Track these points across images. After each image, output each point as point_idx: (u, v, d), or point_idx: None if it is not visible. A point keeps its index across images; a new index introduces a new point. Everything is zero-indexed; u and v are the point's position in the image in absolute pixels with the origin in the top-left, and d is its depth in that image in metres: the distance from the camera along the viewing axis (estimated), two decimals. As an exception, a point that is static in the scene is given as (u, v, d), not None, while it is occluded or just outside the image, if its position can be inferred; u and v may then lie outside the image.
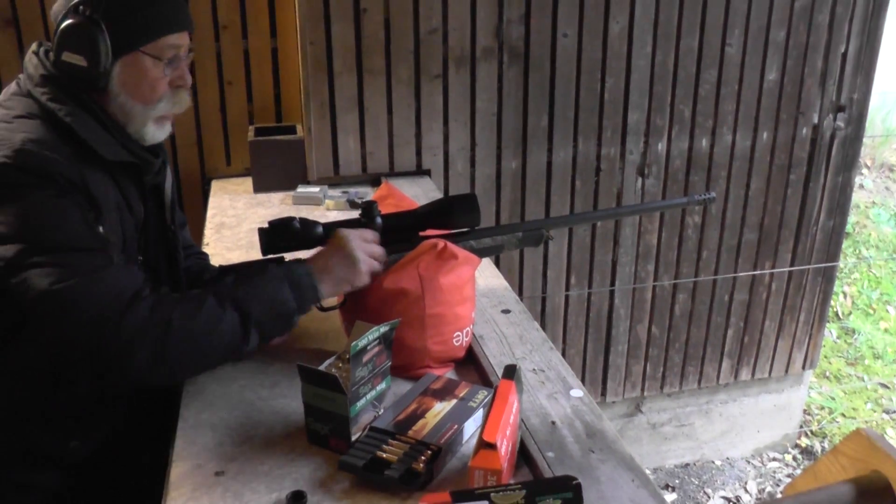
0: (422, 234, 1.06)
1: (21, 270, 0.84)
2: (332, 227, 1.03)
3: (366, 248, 0.99)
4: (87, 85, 0.93)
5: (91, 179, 0.90)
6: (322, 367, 0.92)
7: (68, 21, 0.90)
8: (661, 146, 2.19)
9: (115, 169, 0.96)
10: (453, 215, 1.04)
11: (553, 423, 0.93)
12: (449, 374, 1.06)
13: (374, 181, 1.95)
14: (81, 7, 0.90)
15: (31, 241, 0.84)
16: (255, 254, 1.45)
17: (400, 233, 1.05)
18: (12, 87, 0.96)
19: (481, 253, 1.08)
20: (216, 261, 1.48)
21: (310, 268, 0.97)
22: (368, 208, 1.03)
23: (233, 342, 0.90)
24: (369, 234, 1.01)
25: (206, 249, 1.53)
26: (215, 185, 1.99)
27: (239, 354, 0.92)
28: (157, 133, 0.99)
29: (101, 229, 0.90)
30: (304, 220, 1.01)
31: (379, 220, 1.03)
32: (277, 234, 1.00)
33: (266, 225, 1.01)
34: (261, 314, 0.92)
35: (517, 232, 1.10)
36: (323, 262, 0.98)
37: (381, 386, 0.95)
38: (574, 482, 0.74)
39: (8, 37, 1.85)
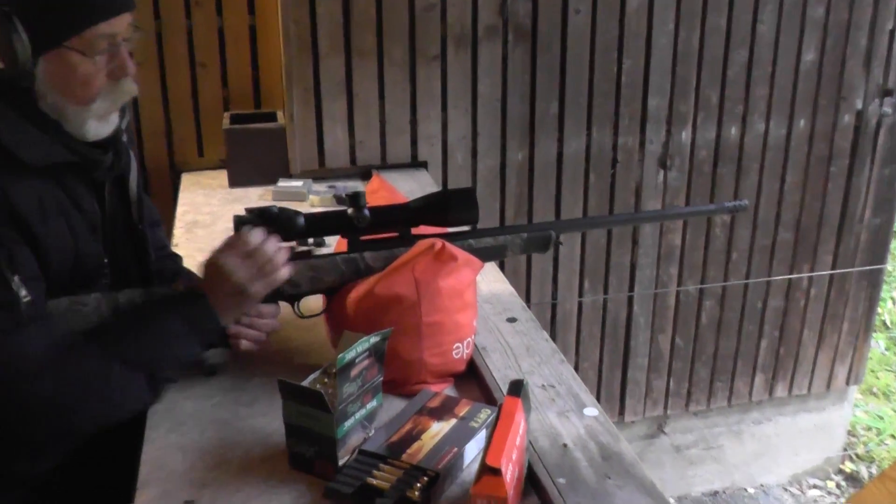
0: (415, 231, 1.07)
1: None
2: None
3: (248, 266, 0.97)
4: (10, 85, 0.92)
5: (14, 191, 0.89)
6: (305, 383, 0.92)
7: None
8: (685, 135, 2.19)
9: (56, 169, 0.95)
10: (449, 211, 1.05)
11: (565, 445, 0.93)
12: (448, 390, 1.06)
13: (365, 174, 1.96)
14: None
15: None
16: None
17: (390, 228, 1.06)
18: None
19: (482, 254, 1.09)
20: (188, 264, 1.48)
21: (211, 309, 0.96)
22: (355, 199, 1.03)
23: (139, 403, 0.94)
24: (249, 239, 0.97)
25: (176, 251, 1.53)
26: (186, 179, 2.00)
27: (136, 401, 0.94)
28: (99, 129, 0.97)
29: (16, 279, 0.87)
30: (284, 209, 1.02)
31: (367, 212, 1.03)
32: (251, 222, 1.00)
33: (243, 212, 1.01)
34: (168, 370, 0.95)
35: (522, 233, 1.10)
36: (213, 297, 0.97)
37: (372, 403, 0.95)
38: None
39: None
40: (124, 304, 0.98)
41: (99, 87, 0.94)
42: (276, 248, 0.99)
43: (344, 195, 1.76)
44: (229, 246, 0.98)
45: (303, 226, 1.02)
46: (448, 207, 1.05)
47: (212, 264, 0.98)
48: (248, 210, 1.01)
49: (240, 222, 1.00)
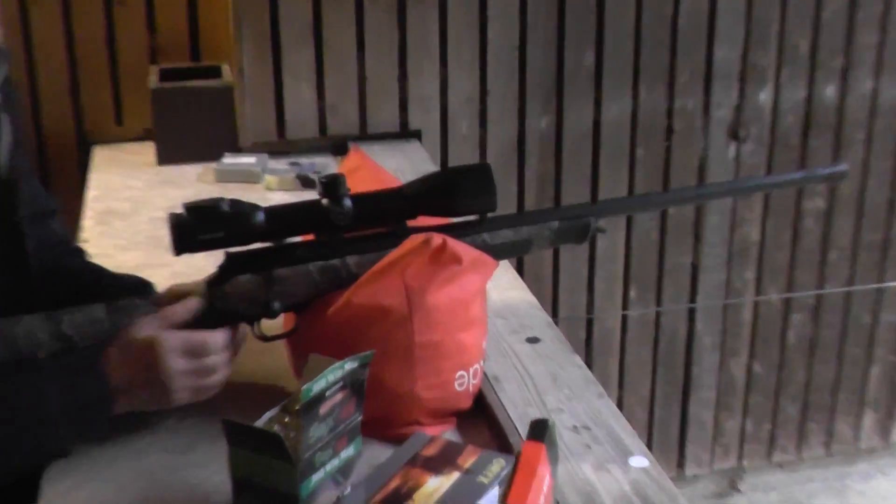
0: (411, 224, 1.07)
1: None
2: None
3: (187, 369, 0.98)
4: None
5: None
6: (259, 423, 0.92)
7: None
8: (765, 96, 2.20)
9: None
10: (457, 196, 1.05)
11: (604, 506, 0.93)
12: (448, 433, 1.06)
13: (339, 148, 1.96)
14: None
15: None
16: (161, 254, 1.46)
17: (378, 221, 1.06)
18: None
19: (498, 252, 1.09)
20: (103, 263, 1.48)
21: (104, 382, 0.96)
22: (332, 184, 1.04)
23: None
24: (207, 341, 0.99)
25: (87, 247, 1.54)
26: (100, 155, 2.00)
27: None
28: None
29: None
30: (236, 203, 1.02)
31: (348, 202, 1.04)
32: (197, 224, 1.00)
33: (179, 210, 1.01)
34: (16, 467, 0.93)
35: (551, 222, 1.11)
36: (123, 374, 0.98)
37: (348, 451, 0.96)
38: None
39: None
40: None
41: None
42: (227, 360, 1.02)
43: (311, 175, 1.77)
44: (175, 341, 0.99)
45: (263, 224, 1.03)
46: (456, 192, 1.05)
47: (153, 345, 0.98)
48: (189, 208, 1.01)
49: (178, 225, 1.00)
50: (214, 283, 1.04)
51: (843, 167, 1.21)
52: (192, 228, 1.00)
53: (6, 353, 0.96)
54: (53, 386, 0.94)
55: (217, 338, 1.01)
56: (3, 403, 0.93)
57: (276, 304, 1.04)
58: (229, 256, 1.05)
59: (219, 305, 1.03)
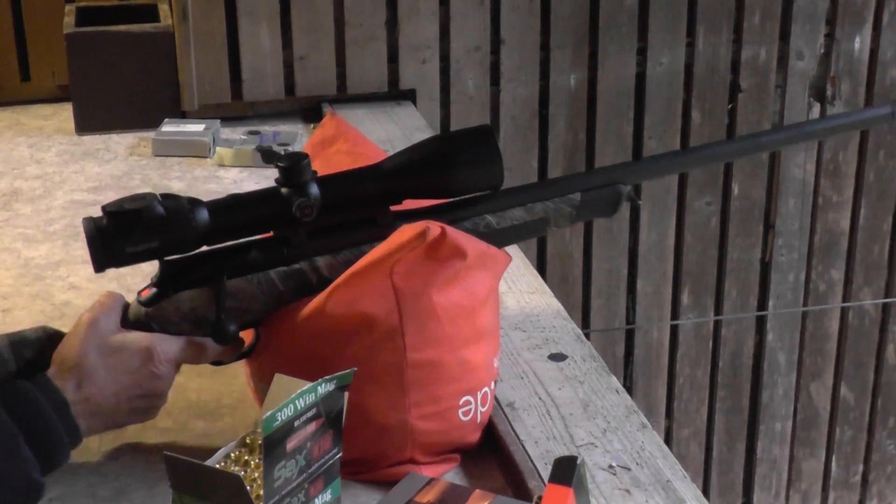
0: (396, 209, 1.08)
1: None
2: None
3: (130, 390, 1.03)
4: None
5: None
6: (212, 462, 0.94)
7: None
8: (860, 44, 2.21)
9: None
10: (454, 169, 1.06)
11: (647, 565, 0.95)
12: (451, 474, 1.07)
13: (311, 112, 1.97)
14: None
15: None
16: (78, 249, 1.46)
17: (354, 208, 1.07)
18: None
19: (509, 236, 1.10)
20: (4, 261, 1.49)
21: (61, 395, 0.99)
22: (293, 169, 1.04)
23: None
24: (157, 354, 1.03)
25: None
26: (1, 119, 2.01)
27: None
28: None
29: None
30: (173, 199, 1.02)
31: (314, 190, 1.05)
32: (121, 231, 1.01)
33: (98, 213, 1.02)
34: None
35: (572, 193, 1.12)
36: (94, 383, 1.01)
37: (325, 497, 0.96)
38: None
39: None
40: None
41: None
42: (171, 379, 1.06)
43: (275, 148, 1.78)
44: (180, 340, 1.04)
45: (207, 224, 1.03)
46: (451, 162, 1.06)
47: (144, 355, 1.03)
48: (109, 211, 1.01)
49: (97, 233, 1.00)
50: (150, 300, 1.05)
51: None
52: (115, 239, 1.01)
53: None
54: (13, 437, 0.96)
55: (171, 349, 1.05)
56: None
57: (231, 326, 1.04)
58: (166, 266, 1.06)
59: (156, 329, 1.05)
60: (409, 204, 1.09)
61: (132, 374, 1.02)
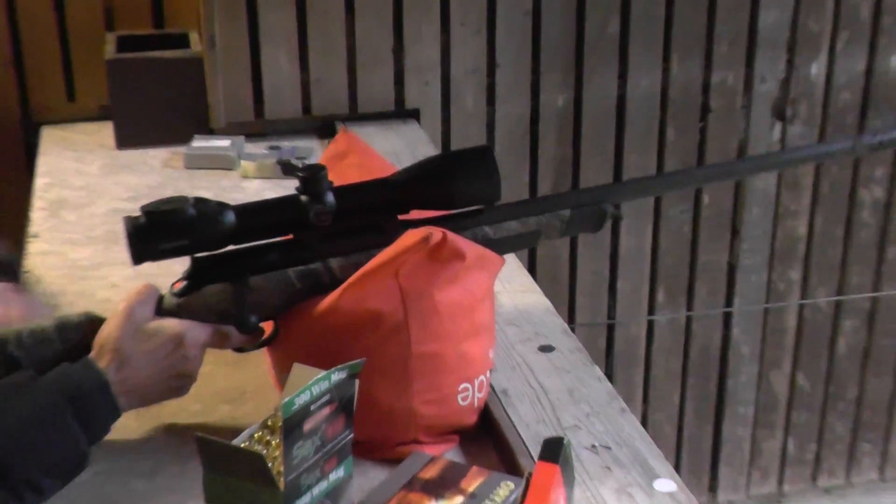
0: (403, 217, 1.08)
1: None
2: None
3: (162, 370, 1.04)
4: None
5: None
6: (238, 441, 0.93)
7: None
8: (817, 69, 2.20)
9: None
10: (455, 184, 1.06)
11: (626, 536, 0.95)
12: (451, 453, 1.07)
13: (325, 129, 1.97)
14: None
15: None
16: (118, 251, 1.46)
17: (366, 216, 1.07)
18: None
19: (504, 246, 1.10)
20: (52, 262, 1.49)
21: (103, 376, 0.99)
22: (312, 179, 1.04)
23: None
24: (186, 338, 1.04)
25: (35, 243, 1.55)
26: (49, 136, 2.00)
27: None
28: None
29: None
30: (202, 202, 1.03)
31: (330, 198, 1.05)
32: (157, 230, 1.01)
33: (137, 213, 1.02)
34: (45, 483, 0.95)
35: (562, 209, 1.12)
36: (131, 365, 1.01)
37: (338, 473, 0.96)
38: None
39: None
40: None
41: None
42: (200, 362, 1.06)
43: (293, 161, 1.77)
44: (208, 327, 1.04)
45: (233, 225, 1.04)
46: (453, 178, 1.06)
47: (176, 340, 1.03)
48: (147, 212, 1.02)
49: (135, 231, 1.01)
50: (181, 293, 1.05)
51: None
52: (151, 235, 1.01)
53: None
54: (61, 407, 0.96)
55: (199, 335, 1.05)
56: (52, 434, 0.95)
57: (253, 318, 1.05)
58: (196, 262, 1.06)
59: (186, 317, 1.05)
60: (416, 214, 1.09)
61: (165, 357, 1.03)
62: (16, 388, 0.97)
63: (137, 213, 1.02)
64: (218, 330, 1.06)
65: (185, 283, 1.06)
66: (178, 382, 1.05)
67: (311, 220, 1.04)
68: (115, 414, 1.00)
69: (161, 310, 1.05)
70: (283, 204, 1.07)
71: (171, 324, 1.03)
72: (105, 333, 1.02)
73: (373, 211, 1.08)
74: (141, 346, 1.02)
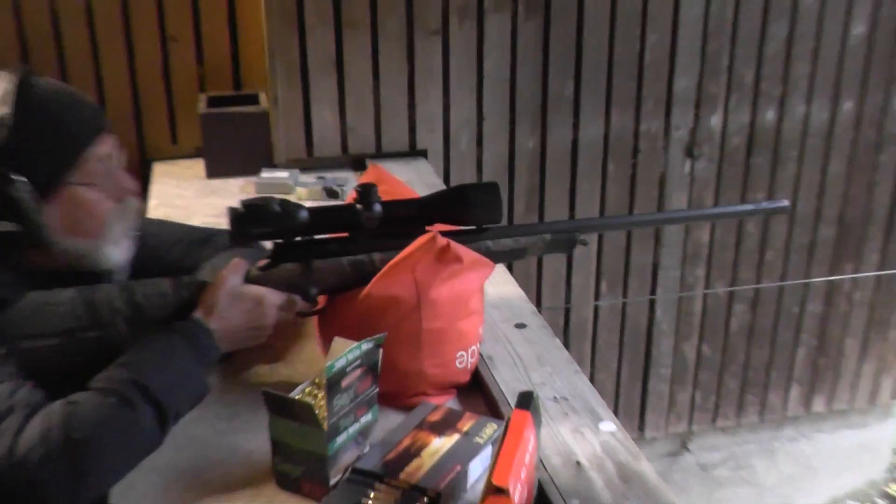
0: (428, 228, 1.07)
1: None
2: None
3: (248, 321, 1.03)
4: (29, 244, 0.98)
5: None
6: (294, 395, 0.93)
7: None
8: (716, 120, 2.20)
9: None
10: (469, 207, 1.06)
11: (578, 463, 0.94)
12: (450, 402, 1.07)
13: (357, 164, 1.97)
14: None
15: None
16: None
17: (404, 225, 1.07)
18: None
19: (500, 256, 1.10)
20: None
21: (208, 325, 1.00)
22: (366, 192, 1.04)
23: (153, 444, 0.93)
24: (265, 299, 1.03)
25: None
26: (159, 169, 2.01)
27: (157, 446, 0.95)
28: (115, 255, 1.04)
29: None
30: (285, 203, 1.02)
31: (378, 207, 1.04)
32: (251, 218, 1.01)
33: (237, 205, 1.02)
34: (180, 401, 0.95)
35: (545, 234, 1.12)
36: (230, 322, 1.01)
37: (367, 417, 0.97)
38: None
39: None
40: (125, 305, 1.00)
41: (107, 212, 1.02)
42: (274, 319, 1.04)
43: (335, 187, 1.78)
44: (280, 294, 1.03)
45: (306, 221, 1.03)
46: (468, 203, 1.05)
47: (257, 299, 1.02)
48: (245, 204, 1.02)
49: (236, 218, 1.01)
50: (264, 268, 1.05)
51: (785, 203, 1.21)
52: (247, 222, 1.01)
53: (88, 316, 0.97)
54: (187, 348, 0.97)
55: (275, 299, 1.04)
56: (180, 364, 0.95)
57: (314, 289, 1.05)
58: (276, 247, 1.06)
59: (266, 286, 1.04)
60: (438, 227, 1.08)
61: (249, 313, 1.02)
62: (162, 343, 0.97)
63: (237, 205, 1.02)
64: (288, 297, 1.05)
65: (267, 261, 1.06)
66: (258, 332, 1.04)
67: (362, 223, 1.04)
68: (217, 353, 1.00)
69: (248, 279, 1.04)
70: (343, 209, 1.06)
71: (255, 289, 1.03)
72: (208, 295, 1.02)
73: (407, 221, 1.07)
74: (233, 304, 1.01)
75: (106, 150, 1.03)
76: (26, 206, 0.96)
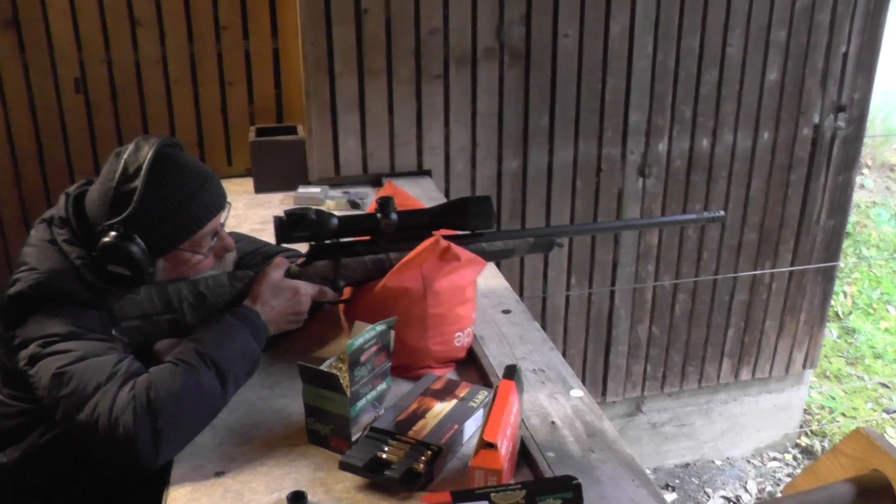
0: (435, 234, 1.07)
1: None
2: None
3: (286, 308, 1.02)
4: (134, 284, 0.98)
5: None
6: (323, 367, 0.92)
7: (105, 240, 0.95)
8: (662, 146, 2.19)
9: None
10: (468, 216, 1.05)
11: (553, 423, 0.93)
12: (449, 374, 1.06)
13: (375, 181, 1.95)
14: (116, 225, 0.94)
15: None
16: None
17: (415, 231, 1.06)
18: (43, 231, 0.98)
19: (492, 256, 1.09)
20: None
21: (256, 310, 1.00)
22: (385, 204, 1.03)
23: (218, 403, 0.93)
24: (301, 289, 1.03)
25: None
26: (216, 186, 2.00)
27: (221, 403, 0.94)
28: None
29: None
30: (319, 212, 1.03)
31: (394, 216, 1.04)
32: (293, 224, 1.01)
33: (282, 214, 1.02)
34: (238, 370, 0.95)
35: (529, 238, 1.12)
36: (274, 309, 1.01)
37: (382, 386, 0.95)
38: (574, 482, 0.74)
39: (8, 38, 1.84)
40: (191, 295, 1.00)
41: (206, 268, 1.03)
42: (308, 306, 1.04)
43: (357, 200, 1.77)
44: (312, 286, 1.03)
45: (336, 227, 1.04)
46: (467, 212, 1.05)
47: (294, 290, 1.02)
48: (288, 213, 1.01)
49: (280, 224, 1.01)
50: (302, 265, 1.05)
51: (721, 213, 1.21)
52: (289, 227, 1.01)
53: (161, 303, 0.97)
54: (243, 328, 0.97)
55: (308, 290, 1.04)
56: (232, 351, 0.95)
57: (342, 282, 1.05)
58: (312, 247, 1.05)
59: (303, 279, 1.04)
60: (443, 232, 1.08)
61: (288, 301, 1.01)
62: (219, 322, 0.96)
63: (282, 214, 1.02)
64: (321, 288, 1.04)
65: (304, 259, 1.05)
66: (295, 318, 1.04)
67: (382, 229, 1.04)
68: (266, 332, 1.00)
69: (288, 273, 1.04)
70: (366, 218, 1.06)
71: (293, 282, 1.02)
72: (256, 286, 1.02)
73: (418, 227, 1.07)
74: (275, 294, 1.01)
75: (218, 223, 1.01)
76: (138, 259, 0.95)
